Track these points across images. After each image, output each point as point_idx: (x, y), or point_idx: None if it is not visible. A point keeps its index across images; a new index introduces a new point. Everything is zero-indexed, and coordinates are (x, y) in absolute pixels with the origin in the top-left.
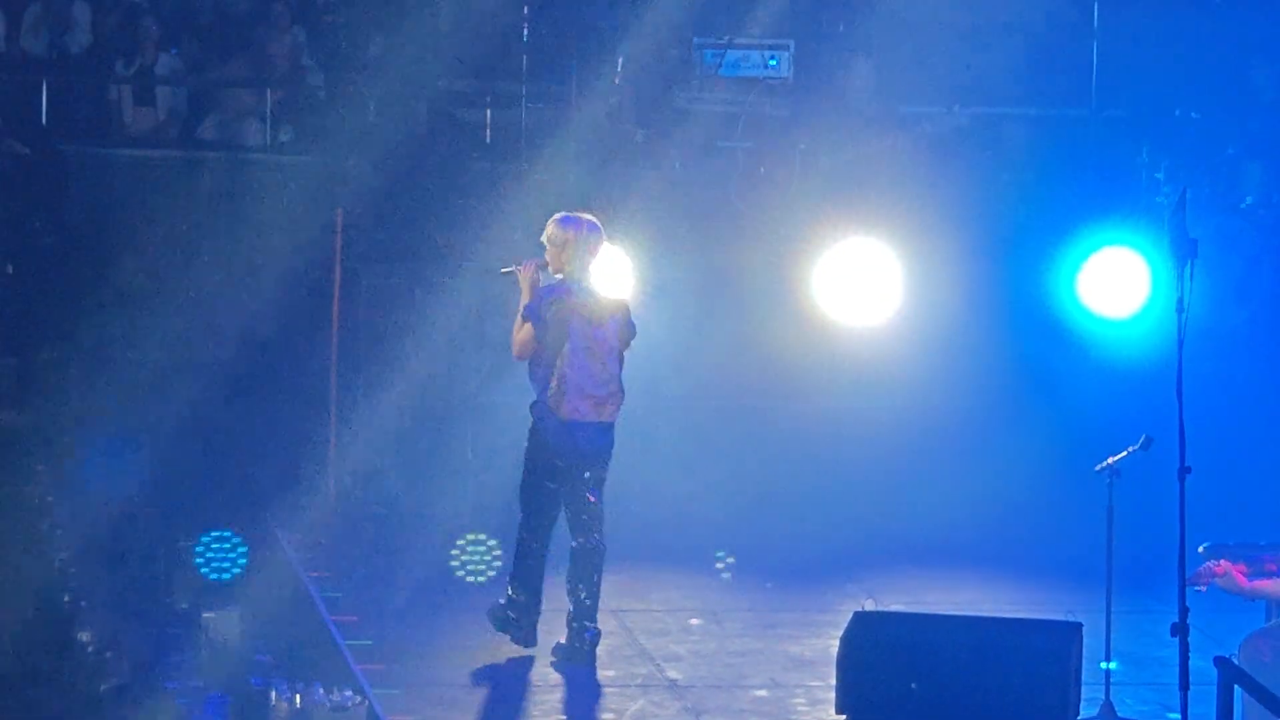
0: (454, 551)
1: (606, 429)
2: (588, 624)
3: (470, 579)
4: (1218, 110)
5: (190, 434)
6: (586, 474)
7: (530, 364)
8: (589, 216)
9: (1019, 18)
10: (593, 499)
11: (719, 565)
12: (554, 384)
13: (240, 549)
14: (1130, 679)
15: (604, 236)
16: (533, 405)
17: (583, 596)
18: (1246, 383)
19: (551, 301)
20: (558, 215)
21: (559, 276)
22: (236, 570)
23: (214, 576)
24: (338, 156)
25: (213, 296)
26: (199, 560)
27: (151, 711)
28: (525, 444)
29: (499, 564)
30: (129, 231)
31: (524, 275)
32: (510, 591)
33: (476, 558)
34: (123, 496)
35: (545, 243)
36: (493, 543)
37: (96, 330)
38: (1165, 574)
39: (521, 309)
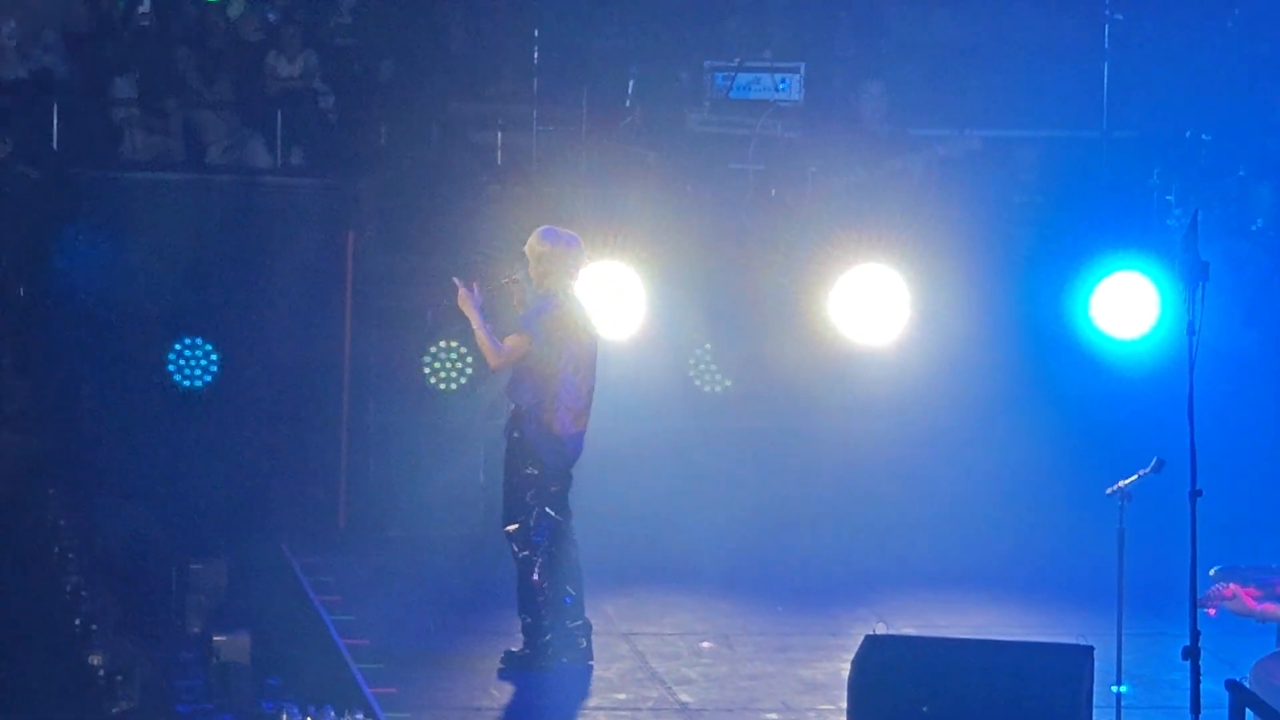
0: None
1: (582, 438)
2: (580, 620)
3: (442, 386)
4: (1228, 132)
5: (202, 456)
6: (565, 481)
7: (514, 378)
8: (569, 231)
9: (1029, 40)
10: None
11: None
12: (547, 399)
13: (213, 355)
14: (1142, 702)
15: (585, 251)
16: (517, 419)
17: (573, 594)
18: (1257, 405)
19: (546, 317)
20: (540, 228)
21: (540, 290)
22: (208, 378)
23: (186, 384)
24: (349, 179)
25: (224, 319)
26: (172, 368)
27: None
28: (511, 459)
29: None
30: (140, 255)
31: (514, 293)
32: (530, 621)
33: (449, 364)
34: (133, 519)
35: (527, 254)
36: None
37: (108, 353)
38: (1177, 597)
39: (518, 320)
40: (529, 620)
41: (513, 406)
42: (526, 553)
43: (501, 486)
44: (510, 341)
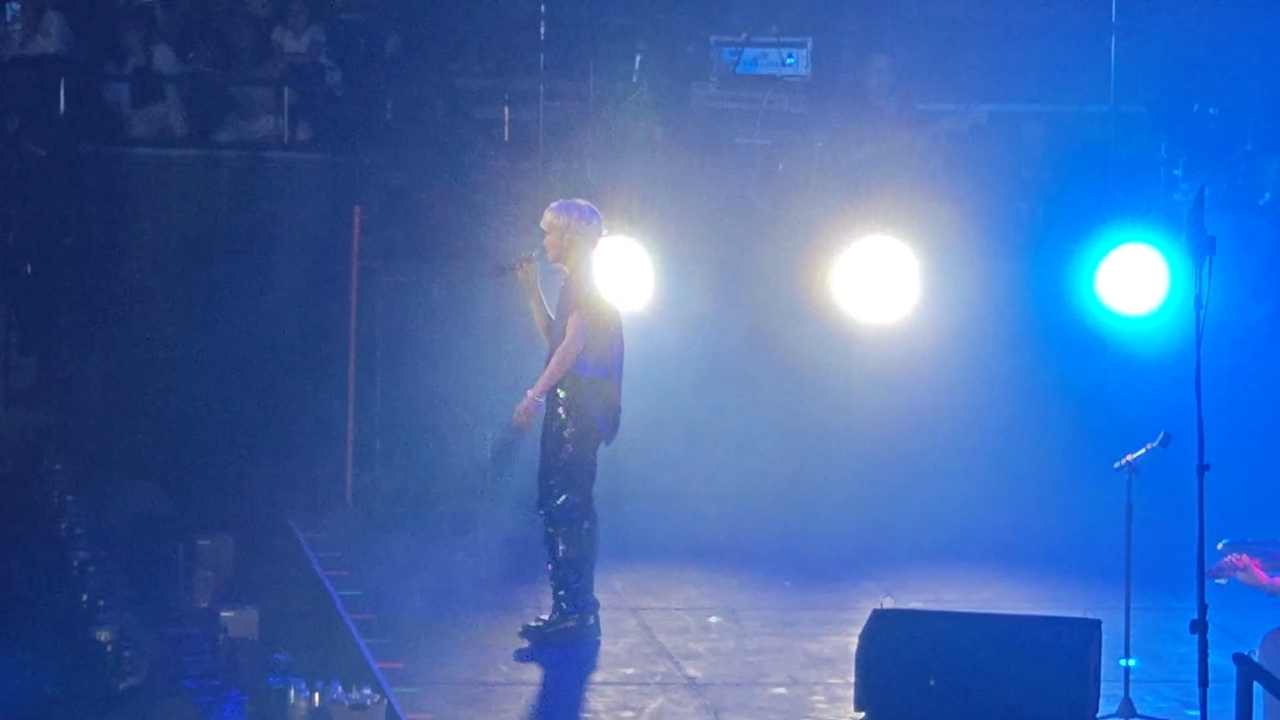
0: None
1: None
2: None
3: None
4: (1236, 106)
5: (208, 431)
6: None
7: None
8: (585, 202)
9: (1036, 14)
10: None
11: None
12: (611, 367)
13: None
14: (1149, 676)
15: (602, 221)
16: (576, 390)
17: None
18: (1265, 379)
19: (589, 284)
20: (554, 203)
21: (561, 266)
22: None
23: None
24: (355, 154)
25: (231, 294)
26: None
27: (169, 710)
28: (569, 429)
29: None
30: (147, 230)
31: (528, 272)
32: (564, 594)
33: None
34: (140, 495)
35: (545, 229)
36: None
37: (114, 329)
38: (1184, 571)
39: (570, 298)
40: (563, 594)
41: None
42: (567, 528)
43: (541, 460)
44: (573, 321)
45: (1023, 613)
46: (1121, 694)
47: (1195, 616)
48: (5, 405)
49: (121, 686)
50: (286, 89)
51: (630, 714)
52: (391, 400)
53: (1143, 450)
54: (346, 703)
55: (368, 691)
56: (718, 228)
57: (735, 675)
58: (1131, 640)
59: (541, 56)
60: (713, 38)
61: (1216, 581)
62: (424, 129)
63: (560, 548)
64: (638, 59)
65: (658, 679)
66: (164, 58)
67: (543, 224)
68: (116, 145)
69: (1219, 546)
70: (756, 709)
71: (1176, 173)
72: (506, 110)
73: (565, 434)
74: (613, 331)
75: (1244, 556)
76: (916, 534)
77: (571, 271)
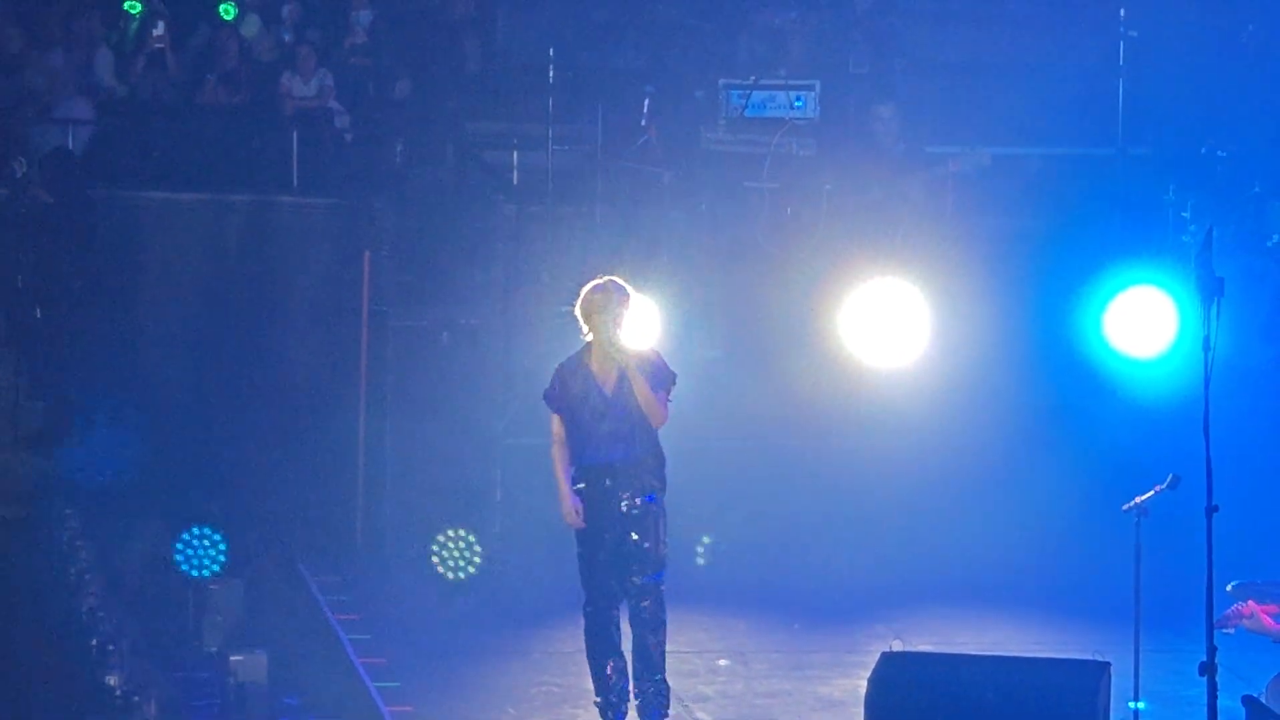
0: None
1: None
2: None
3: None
4: (1244, 149)
5: (219, 475)
6: None
7: (635, 429)
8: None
9: (1045, 57)
10: None
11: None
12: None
13: (220, 546)
14: (1159, 718)
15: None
16: (657, 467)
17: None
18: (1273, 421)
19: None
20: (614, 280)
21: (616, 342)
22: (215, 568)
23: (194, 573)
24: (365, 199)
25: (241, 339)
26: (179, 558)
27: None
28: (662, 514)
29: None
30: (156, 275)
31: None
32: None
33: (457, 554)
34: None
35: (620, 309)
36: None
37: (124, 373)
38: (1193, 613)
39: (658, 377)
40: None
41: (642, 458)
42: (662, 610)
43: (631, 544)
44: (665, 399)
45: (1032, 655)
46: None
47: (1204, 658)
48: (15, 449)
49: None
50: (296, 134)
51: None
52: (401, 444)
53: (1151, 492)
54: None
55: None
56: (726, 270)
57: (744, 718)
58: (1141, 682)
59: (550, 101)
60: (721, 81)
61: (1224, 631)
62: (433, 174)
63: (659, 630)
64: (646, 102)
65: None
66: (173, 102)
67: (629, 301)
68: (126, 189)
69: (1228, 589)
70: None
71: (1184, 215)
72: (515, 154)
73: (662, 513)
74: None
75: (1250, 604)
76: (925, 576)
77: (627, 344)
